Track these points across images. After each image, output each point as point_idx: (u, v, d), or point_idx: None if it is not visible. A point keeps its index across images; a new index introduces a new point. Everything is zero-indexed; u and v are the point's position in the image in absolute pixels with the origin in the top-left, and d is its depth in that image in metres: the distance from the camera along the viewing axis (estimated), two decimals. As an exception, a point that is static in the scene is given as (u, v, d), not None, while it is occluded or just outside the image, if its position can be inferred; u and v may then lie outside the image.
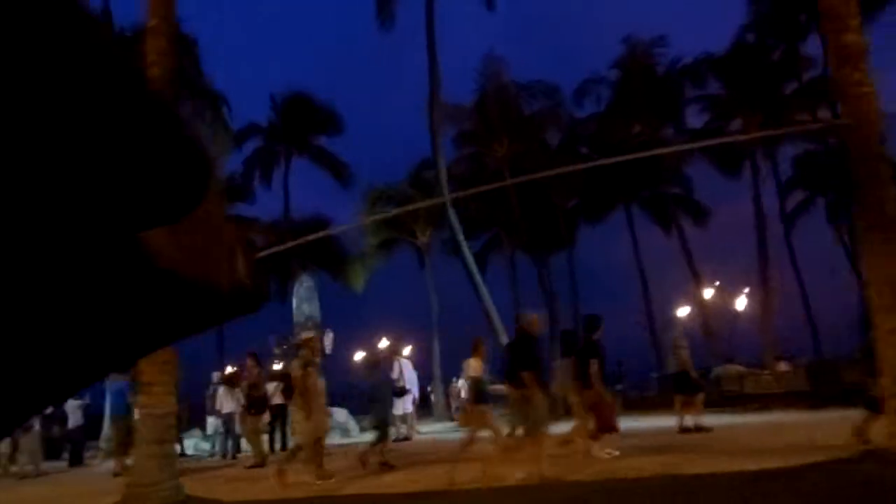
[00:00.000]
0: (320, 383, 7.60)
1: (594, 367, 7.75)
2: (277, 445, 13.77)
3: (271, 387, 13.93)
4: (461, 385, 20.55)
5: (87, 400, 16.80)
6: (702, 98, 24.01)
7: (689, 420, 9.92)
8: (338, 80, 56.57)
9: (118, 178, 0.38)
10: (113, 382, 12.70)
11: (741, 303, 17.91)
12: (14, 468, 14.19)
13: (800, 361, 17.73)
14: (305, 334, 20.44)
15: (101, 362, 0.51)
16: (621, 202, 26.55)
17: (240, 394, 15.16)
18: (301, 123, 28.59)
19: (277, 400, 13.81)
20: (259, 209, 29.77)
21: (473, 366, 7.91)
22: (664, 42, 24.20)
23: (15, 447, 15.87)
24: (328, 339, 21.27)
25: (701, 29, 25.48)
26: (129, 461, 11.74)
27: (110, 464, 12.12)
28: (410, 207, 24.58)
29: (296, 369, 7.25)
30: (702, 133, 24.14)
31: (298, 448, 7.74)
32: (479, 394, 7.59)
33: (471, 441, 7.45)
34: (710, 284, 20.15)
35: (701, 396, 10.11)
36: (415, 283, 28.35)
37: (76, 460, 15.61)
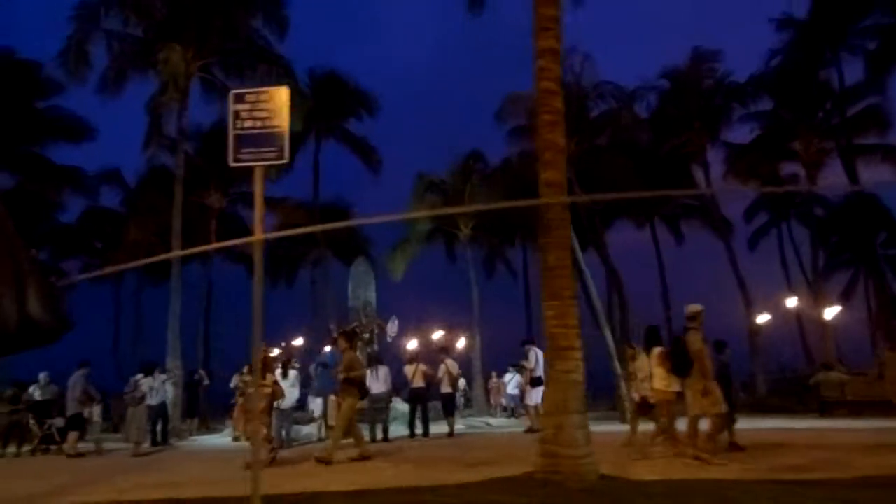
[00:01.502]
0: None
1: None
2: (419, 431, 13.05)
3: (382, 371, 13.30)
4: (508, 379, 20.32)
5: (172, 375, 15.50)
6: (757, 115, 24.95)
7: None
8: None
9: None
10: (319, 356, 12.27)
11: (831, 312, 18.77)
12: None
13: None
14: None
15: None
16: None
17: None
18: (334, 104, 27.45)
19: (418, 383, 13.18)
20: (289, 187, 28.29)
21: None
22: (717, 57, 24.99)
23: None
24: (393, 326, 20.59)
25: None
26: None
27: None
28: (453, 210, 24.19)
29: (695, 342, 6.82)
30: (747, 148, 25.18)
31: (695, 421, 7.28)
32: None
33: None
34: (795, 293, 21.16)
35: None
36: (450, 276, 27.92)
37: (164, 438, 14.36)
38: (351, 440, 9.20)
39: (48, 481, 8.31)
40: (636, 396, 9.48)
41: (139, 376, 13.00)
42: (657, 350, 8.18)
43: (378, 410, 12.75)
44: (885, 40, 24.15)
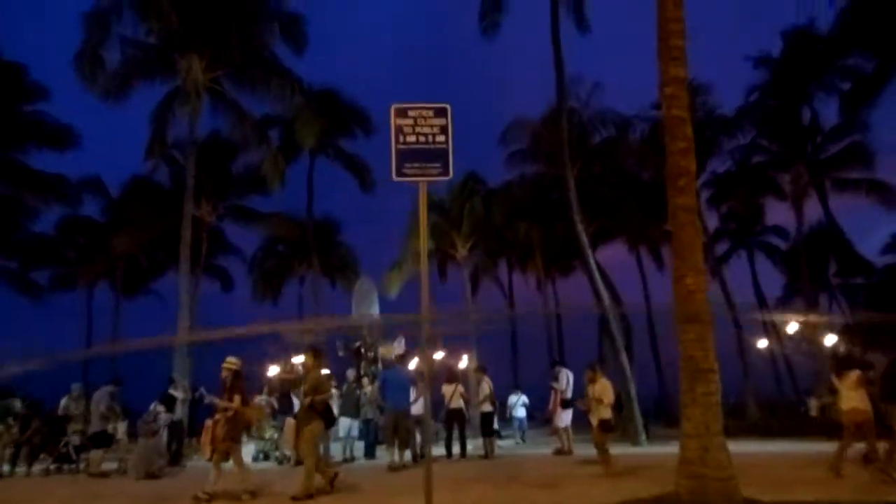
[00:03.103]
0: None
1: None
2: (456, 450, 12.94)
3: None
4: (514, 402, 20.26)
5: (188, 391, 14.90)
6: (742, 147, 26.10)
7: None
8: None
9: None
10: (393, 372, 12.14)
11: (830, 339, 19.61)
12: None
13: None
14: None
15: None
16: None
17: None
18: (330, 121, 27.25)
19: (455, 404, 13.08)
20: (281, 203, 27.77)
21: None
22: (707, 90, 26.06)
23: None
24: (399, 345, 20.38)
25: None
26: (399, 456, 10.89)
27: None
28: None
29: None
30: (732, 178, 26.30)
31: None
32: None
33: None
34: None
35: None
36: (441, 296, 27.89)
37: (176, 458, 13.71)
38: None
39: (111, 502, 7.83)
40: (594, 420, 9.55)
41: (160, 408, 12.18)
42: (855, 374, 8.55)
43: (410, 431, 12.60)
44: (857, 81, 25.73)
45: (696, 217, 6.43)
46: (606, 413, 9.41)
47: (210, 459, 7.96)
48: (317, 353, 8.23)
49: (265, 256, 30.52)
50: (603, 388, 9.60)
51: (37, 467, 12.83)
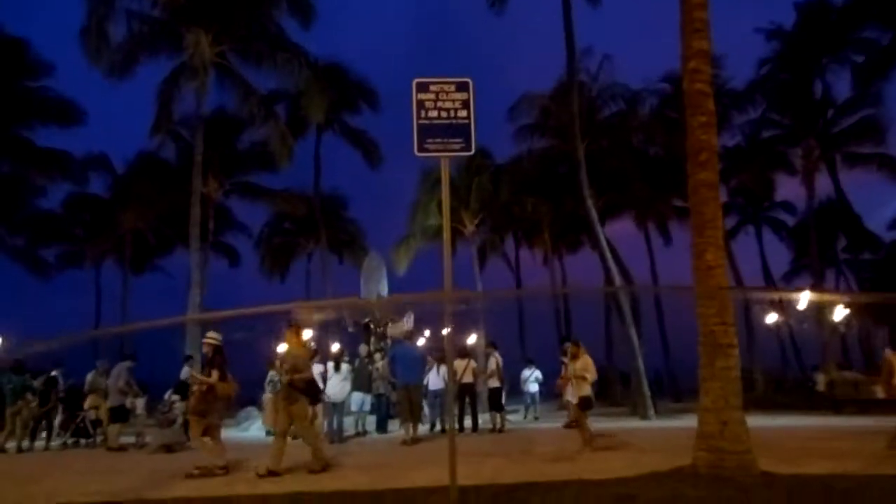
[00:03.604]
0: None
1: None
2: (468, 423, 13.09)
3: (443, 369, 13.29)
4: (527, 376, 20.32)
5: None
6: (766, 121, 25.82)
7: None
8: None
9: None
10: (402, 348, 12.09)
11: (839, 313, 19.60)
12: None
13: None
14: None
15: None
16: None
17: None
18: (336, 95, 27.02)
19: (467, 379, 13.18)
20: (287, 180, 27.69)
21: None
22: (719, 63, 25.67)
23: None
24: (409, 320, 20.45)
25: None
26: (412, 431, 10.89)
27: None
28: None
29: None
30: (742, 152, 26.09)
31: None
32: None
33: None
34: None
35: None
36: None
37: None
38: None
39: (126, 477, 7.91)
40: (573, 398, 9.58)
41: (175, 397, 12.17)
42: None
43: (433, 406, 12.79)
44: (871, 54, 25.36)
45: (717, 192, 6.39)
46: (587, 390, 9.33)
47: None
48: (297, 330, 7.98)
49: (272, 233, 30.55)
50: (585, 365, 9.52)
51: (55, 442, 13.04)
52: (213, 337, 8.31)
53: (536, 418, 18.24)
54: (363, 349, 14.54)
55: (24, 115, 23.88)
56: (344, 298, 24.37)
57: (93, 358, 13.71)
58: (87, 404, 12.85)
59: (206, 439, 7.98)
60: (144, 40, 18.62)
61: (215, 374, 7.99)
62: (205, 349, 8.41)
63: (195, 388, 8.18)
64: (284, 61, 19.47)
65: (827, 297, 21.53)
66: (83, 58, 17.89)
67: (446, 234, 5.44)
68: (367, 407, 14.02)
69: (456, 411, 13.62)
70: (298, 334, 8.06)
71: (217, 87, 20.46)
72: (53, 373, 13.24)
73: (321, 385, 12.57)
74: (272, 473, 7.16)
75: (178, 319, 16.95)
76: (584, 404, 9.28)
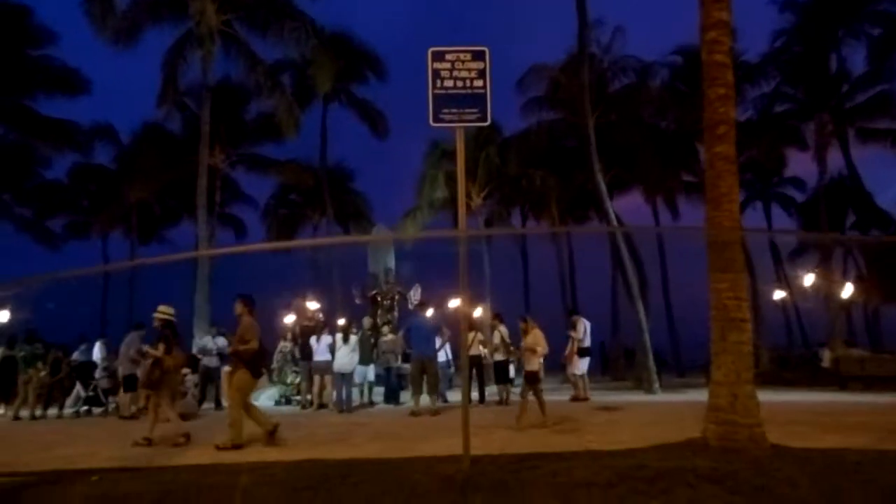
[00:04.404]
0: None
1: None
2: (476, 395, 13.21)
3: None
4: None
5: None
6: (779, 95, 25.43)
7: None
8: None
9: None
10: (418, 319, 12.21)
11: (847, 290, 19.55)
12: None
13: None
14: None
15: None
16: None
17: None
18: (342, 64, 26.67)
19: (475, 350, 13.24)
20: (293, 151, 27.51)
21: None
22: (733, 36, 25.19)
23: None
24: (416, 293, 20.49)
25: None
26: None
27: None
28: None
29: None
30: (753, 126, 25.73)
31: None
32: None
33: None
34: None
35: None
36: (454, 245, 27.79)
37: (217, 401, 13.88)
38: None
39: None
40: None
41: (186, 370, 12.32)
42: None
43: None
44: (888, 26, 24.85)
45: (734, 166, 6.30)
46: (535, 365, 9.23)
47: None
48: (246, 301, 7.92)
49: (278, 205, 30.52)
50: (535, 339, 9.45)
51: (67, 410, 13.21)
52: (163, 311, 8.51)
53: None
54: (367, 321, 14.57)
55: (27, 84, 23.69)
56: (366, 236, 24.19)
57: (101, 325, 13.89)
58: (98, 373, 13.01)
59: (159, 411, 8.24)
60: (149, 8, 18.40)
61: (161, 347, 8.25)
62: (155, 323, 8.55)
63: (147, 361, 8.49)
64: (291, 30, 19.22)
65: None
66: (88, 27, 17.66)
67: (460, 177, 5.46)
68: (372, 377, 14.11)
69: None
70: (248, 305, 7.95)
71: (223, 56, 20.24)
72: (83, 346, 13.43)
73: (329, 357, 12.74)
74: (236, 446, 7.22)
75: (188, 255, 16.95)
76: (531, 378, 9.17)
